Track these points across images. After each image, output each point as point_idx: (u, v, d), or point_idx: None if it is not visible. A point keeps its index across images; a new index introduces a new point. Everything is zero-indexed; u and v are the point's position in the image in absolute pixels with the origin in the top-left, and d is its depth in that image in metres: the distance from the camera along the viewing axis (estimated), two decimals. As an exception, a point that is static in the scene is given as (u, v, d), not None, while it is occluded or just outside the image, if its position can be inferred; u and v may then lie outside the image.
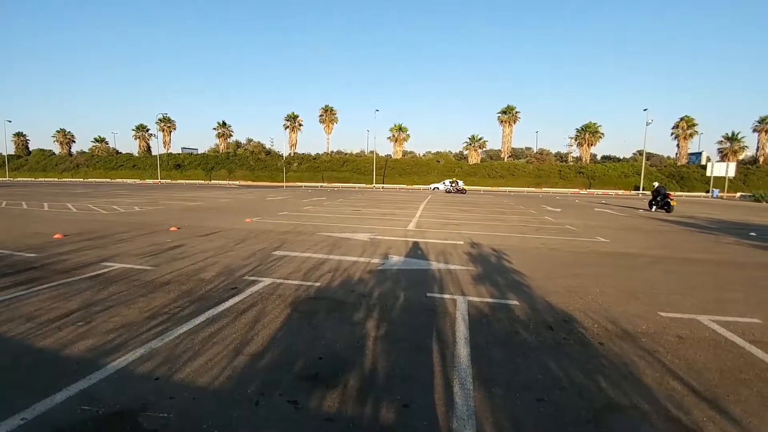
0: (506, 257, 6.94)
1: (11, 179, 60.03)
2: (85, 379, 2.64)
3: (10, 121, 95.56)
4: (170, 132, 65.56)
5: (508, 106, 55.92)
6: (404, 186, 50.38)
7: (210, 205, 17.39)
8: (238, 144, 70.35)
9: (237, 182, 54.42)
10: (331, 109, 61.02)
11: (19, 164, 67.19)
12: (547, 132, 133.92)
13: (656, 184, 19.37)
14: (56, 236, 8.31)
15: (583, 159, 56.14)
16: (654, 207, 18.54)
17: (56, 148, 69.58)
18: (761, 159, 50.40)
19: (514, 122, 56.44)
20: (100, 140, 68.75)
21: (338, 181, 53.14)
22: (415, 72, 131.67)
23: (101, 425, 2.19)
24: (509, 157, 59.86)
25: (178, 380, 2.67)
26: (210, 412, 2.32)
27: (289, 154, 61.64)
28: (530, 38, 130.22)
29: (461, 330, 3.63)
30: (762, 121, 49.35)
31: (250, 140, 71.42)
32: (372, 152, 55.09)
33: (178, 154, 65.25)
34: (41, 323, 3.61)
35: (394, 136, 59.58)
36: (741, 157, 51.22)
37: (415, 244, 8.08)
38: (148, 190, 30.15)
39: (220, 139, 65.38)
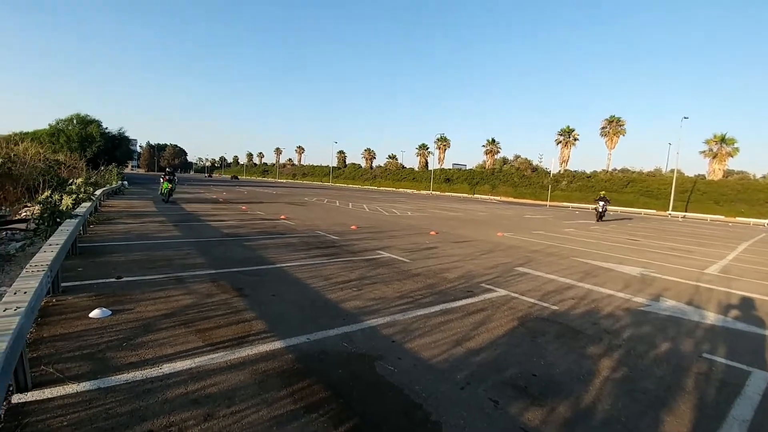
0: None
1: (332, 184, 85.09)
2: (348, 326, 3.78)
3: (336, 143, 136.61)
4: (445, 150, 75.58)
5: None
6: (721, 217, 38.35)
7: (468, 216, 19.15)
8: (504, 160, 73.23)
9: (498, 198, 56.65)
10: (618, 120, 53.80)
11: (338, 174, 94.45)
12: None
13: None
14: (352, 227, 11.49)
15: None
16: None
17: (363, 163, 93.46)
18: None
19: None
20: (392, 157, 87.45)
21: (619, 205, 46.36)
22: (747, 68, 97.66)
23: (351, 358, 3.14)
24: None
25: (408, 347, 3.40)
26: (423, 379, 2.87)
27: (559, 171, 58.74)
28: None
29: (742, 409, 2.77)
30: None
31: (517, 156, 72.88)
32: (673, 171, 44.85)
33: (449, 169, 74.34)
34: (332, 283, 5.29)
35: (711, 150, 46.26)
36: None
37: (709, 292, 6.31)
38: (421, 199, 36.06)
39: (488, 155, 69.78)
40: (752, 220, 35.61)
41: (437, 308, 4.52)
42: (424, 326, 3.93)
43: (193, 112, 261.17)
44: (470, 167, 75.66)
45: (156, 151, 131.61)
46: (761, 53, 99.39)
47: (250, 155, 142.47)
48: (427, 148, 78.70)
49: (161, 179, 16.69)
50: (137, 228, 9.30)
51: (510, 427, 2.38)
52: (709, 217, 38.24)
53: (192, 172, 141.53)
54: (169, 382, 2.65)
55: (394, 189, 71.65)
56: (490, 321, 4.22)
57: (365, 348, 3.34)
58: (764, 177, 53.39)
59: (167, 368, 2.82)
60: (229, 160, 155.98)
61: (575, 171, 58.58)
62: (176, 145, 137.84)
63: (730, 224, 31.93)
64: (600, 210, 21.50)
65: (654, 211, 42.05)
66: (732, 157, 46.22)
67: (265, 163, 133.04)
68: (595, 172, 56.86)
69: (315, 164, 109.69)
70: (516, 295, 5.30)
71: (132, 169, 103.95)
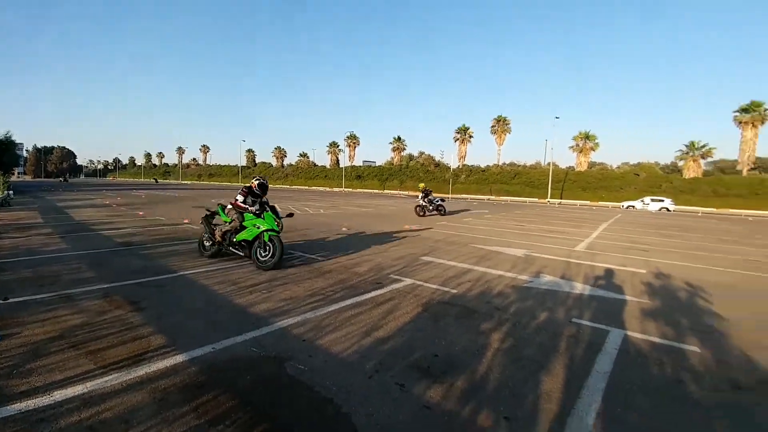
0: (704, 296, 5.61)
1: (242, 184, 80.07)
2: (257, 330, 3.61)
3: (244, 141, 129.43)
4: (355, 147, 76.14)
5: (753, 103, 42.98)
6: (587, 202, 44.72)
7: (378, 211, 19.58)
8: (410, 157, 76.23)
9: (406, 192, 58.87)
10: (504, 119, 59.47)
11: (248, 173, 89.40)
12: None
13: None
14: (263, 228, 11.01)
15: None
16: None
17: (273, 161, 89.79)
18: None
19: (762, 123, 43.03)
20: (304, 155, 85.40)
21: (507, 195, 51.27)
22: (606, 70, 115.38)
23: (260, 362, 3.01)
24: (752, 169, 45.85)
25: (319, 344, 3.37)
26: (333, 373, 2.86)
27: (458, 166, 62.99)
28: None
29: (603, 363, 3.26)
30: None
31: (421, 153, 76.55)
32: (549, 164, 50.98)
33: (360, 166, 75.12)
34: (240, 287, 5.01)
35: (578, 145, 53.68)
36: None
37: (578, 266, 7.31)
38: (333, 197, 35.90)
39: (395, 152, 71.99)
40: (611, 204, 42.03)
41: (348, 302, 4.54)
42: (335, 321, 3.93)
43: (83, 110, 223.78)
44: (380, 164, 77.32)
45: (42, 154, 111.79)
46: (621, 56, 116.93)
47: (148, 155, 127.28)
48: (338, 146, 78.52)
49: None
50: (24, 242, 7.82)
51: (415, 407, 2.49)
52: (578, 202, 44.38)
53: (82, 176, 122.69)
54: (61, 409, 2.31)
55: (306, 187, 70.22)
56: (397, 309, 4.36)
57: (275, 350, 3.22)
58: (619, 167, 63.24)
59: (59, 395, 2.45)
60: (125, 161, 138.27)
61: (472, 165, 63.22)
62: (64, 148, 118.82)
63: (594, 208, 37.31)
64: (425, 204, 17.40)
65: (537, 199, 47.33)
66: (594, 151, 54.06)
67: (167, 164, 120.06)
68: (488, 166, 62.04)
69: (222, 164, 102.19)
70: (420, 282, 5.56)
71: (18, 176, 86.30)
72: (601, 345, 3.65)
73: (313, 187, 68.90)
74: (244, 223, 6.42)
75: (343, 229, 11.36)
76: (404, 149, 72.51)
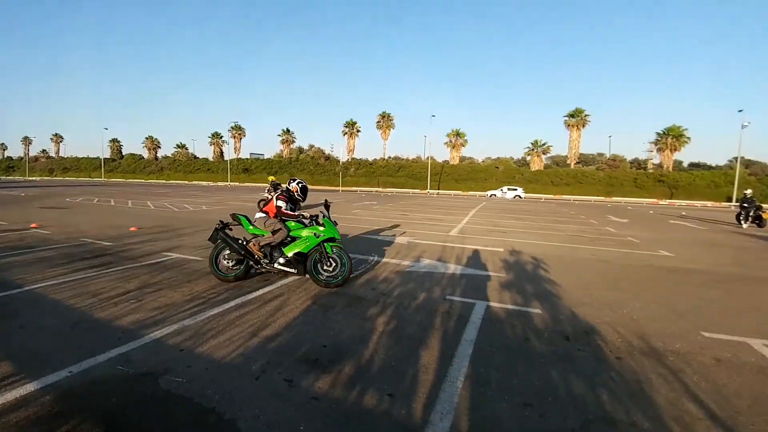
0: (544, 266, 6.72)
1: (106, 180, 68.87)
2: (125, 345, 3.15)
3: (107, 129, 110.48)
4: (240, 139, 71.12)
5: (577, 109, 52.73)
6: (460, 192, 49.59)
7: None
8: (300, 150, 74.14)
9: (297, 186, 57.46)
10: (388, 116, 62.05)
11: (113, 167, 76.77)
12: (622, 137, 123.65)
13: (748, 192, 16.97)
14: (132, 229, 9.58)
15: (665, 166, 51.01)
16: (743, 221, 16.37)
17: (145, 153, 78.57)
18: None
19: (583, 126, 53.04)
20: (181, 146, 76.32)
21: (393, 186, 53.80)
22: (474, 76, 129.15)
23: (129, 381, 2.63)
24: (577, 163, 56.29)
25: (199, 352, 3.08)
26: (216, 380, 2.66)
27: (347, 159, 63.69)
28: (602, 35, 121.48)
29: (470, 332, 3.67)
30: None
31: (311, 146, 75.07)
32: (428, 158, 54.98)
33: (247, 159, 70.47)
34: (103, 299, 4.29)
35: (451, 141, 58.97)
36: None
37: (452, 249, 8.08)
38: (218, 192, 33.04)
39: (284, 145, 69.40)
40: (478, 193, 47.24)
41: (233, 303, 4.26)
42: (219, 325, 3.65)
43: None
44: (268, 157, 73.65)
45: None
46: (483, 64, 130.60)
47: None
48: (221, 137, 72.33)
49: None
50: None
51: (303, 400, 2.47)
52: (453, 192, 48.81)
53: None
54: None
55: (186, 182, 63.29)
56: (286, 305, 4.25)
57: (147, 365, 2.85)
58: (483, 161, 71.14)
59: None
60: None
61: (360, 159, 64.55)
62: None
63: (465, 196, 41.55)
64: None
65: (419, 190, 50.67)
66: (464, 146, 59.85)
67: (11, 157, 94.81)
68: (375, 159, 64.06)
69: (81, 156, 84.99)
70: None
71: None
72: (468, 317, 4.10)
73: (195, 182, 62.49)
74: (292, 233, 5.26)
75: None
76: (294, 142, 70.35)
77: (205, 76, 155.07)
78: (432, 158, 54.14)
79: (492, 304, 4.56)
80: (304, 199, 5.62)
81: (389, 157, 66.45)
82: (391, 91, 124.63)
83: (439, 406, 2.45)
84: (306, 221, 5.43)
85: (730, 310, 4.70)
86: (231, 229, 5.40)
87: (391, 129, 62.74)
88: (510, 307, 4.48)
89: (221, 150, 72.84)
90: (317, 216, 5.47)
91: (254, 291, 4.72)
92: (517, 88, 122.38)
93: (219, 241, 5.18)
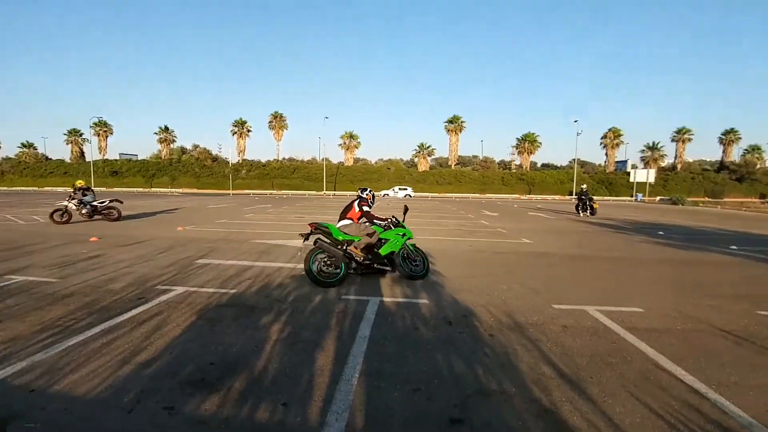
0: (432, 259, 7.22)
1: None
2: (-63, 400, 2.43)
3: None
4: (107, 137, 61.06)
5: (455, 116, 58.10)
6: (355, 193, 50.52)
7: (144, 213, 16.40)
8: (183, 150, 66.58)
9: (180, 190, 51.67)
10: (281, 116, 59.90)
11: None
12: (491, 141, 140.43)
13: (584, 187, 20.81)
14: (-51, 250, 7.45)
15: (524, 167, 59.54)
16: (581, 211, 20.01)
17: (-30, 154, 62.10)
18: (679, 166, 56.44)
19: (460, 131, 58.73)
20: (28, 145, 62.09)
21: (289, 189, 52.18)
22: (365, 80, 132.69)
23: (-58, 446, 2.04)
24: (456, 164, 62.04)
25: (54, 391, 2.55)
26: (78, 421, 2.24)
27: (238, 161, 59.60)
28: (473, 50, 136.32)
29: (364, 329, 3.75)
30: (679, 132, 55.59)
31: (196, 146, 67.94)
32: (324, 159, 54.65)
33: (116, 160, 60.77)
34: None
35: (345, 143, 59.67)
36: (662, 165, 56.91)
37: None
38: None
39: (163, 144, 61.75)
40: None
41: (98, 329, 3.62)
42: (79, 357, 3.06)
43: None
44: (144, 158, 64.64)
45: None
46: (375, 67, 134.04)
47: None
48: (82, 134, 61.13)
49: None
50: None
51: (187, 427, 2.23)
52: (348, 192, 49.36)
53: None
54: None
55: (36, 188, 51.85)
56: (166, 324, 3.78)
57: (-25, 418, 2.25)
58: (376, 162, 73.47)
59: None
60: None
61: (252, 160, 61.06)
62: None
63: (361, 196, 42.37)
64: (79, 205, 12.39)
65: (315, 192, 50.07)
66: (357, 148, 61.05)
67: None
68: (269, 161, 61.24)
69: None
70: (195, 288, 5.00)
71: None
72: (363, 313, 4.19)
73: (48, 188, 51.58)
74: (381, 236, 5.76)
75: (93, 239, 8.96)
76: (174, 141, 63.06)
77: (62, 63, 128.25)
78: (327, 160, 54.04)
79: (385, 299, 4.73)
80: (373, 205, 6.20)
81: (284, 159, 64.21)
82: (283, 91, 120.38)
83: (335, 407, 2.45)
84: (383, 224, 6.01)
85: (573, 284, 5.70)
86: (307, 238, 5.64)
87: (285, 130, 60.72)
88: (401, 300, 4.71)
89: (81, 150, 61.66)
90: (392, 219, 6.09)
91: (124, 313, 4.08)
92: (405, 92, 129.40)
93: (324, 248, 5.36)
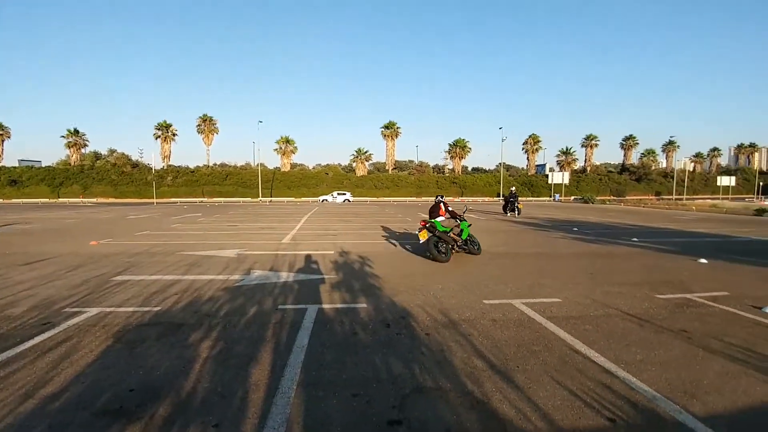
0: (369, 263, 7.29)
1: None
2: None
3: None
4: (2, 141, 52.91)
5: (390, 122, 59.31)
6: (293, 199, 49.21)
7: (49, 226, 14.45)
8: (97, 156, 59.66)
9: (95, 199, 46.38)
10: (211, 119, 56.46)
11: None
12: (426, 146, 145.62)
13: (513, 189, 22.42)
14: None
15: (456, 170, 62.53)
16: (508, 211, 21.48)
17: None
18: (588, 168, 63.21)
19: (396, 137, 60.07)
20: None
21: (221, 196, 49.35)
22: (301, 85, 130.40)
23: None
24: (393, 169, 63.32)
25: None
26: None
27: (162, 167, 54.99)
28: (408, 57, 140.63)
29: (302, 338, 3.66)
30: (587, 138, 62.26)
31: (113, 151, 61.31)
32: (258, 165, 52.50)
33: (15, 168, 52.82)
34: None
35: (281, 148, 57.96)
36: (575, 168, 63.27)
37: (284, 257, 7.93)
38: (-40, 213, 23.61)
39: (72, 149, 54.91)
40: (311, 199, 47.74)
41: (-13, 363, 3.11)
42: (-40, 398, 2.61)
43: None
44: (49, 164, 56.95)
45: None
46: (304, 71, 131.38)
47: None
48: (-34, 139, 52.26)
49: None
50: None
51: (101, 464, 2.00)
52: (286, 199, 48.04)
53: None
54: None
55: None
56: (76, 351, 3.36)
57: None
58: (314, 168, 72.35)
59: None
60: None
61: (179, 166, 56.77)
62: None
63: (298, 203, 41.42)
64: None
65: (250, 198, 47.91)
66: (294, 153, 59.62)
67: None
68: (198, 167, 57.38)
69: None
70: (111, 309, 4.51)
71: None
72: (300, 322, 4.09)
73: None
74: (461, 227, 8.19)
75: (-20, 258, 7.68)
76: (86, 145, 56.43)
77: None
78: (263, 165, 52.05)
79: (324, 306, 4.67)
80: None
81: (214, 164, 60.59)
82: (212, 93, 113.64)
83: (271, 422, 2.36)
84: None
85: (501, 280, 6.08)
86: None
87: (215, 134, 57.31)
88: (339, 306, 4.68)
89: (-33, 156, 52.70)
90: (457, 214, 8.46)
91: (25, 341, 3.56)
92: (342, 98, 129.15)
93: (435, 236, 7.70)
